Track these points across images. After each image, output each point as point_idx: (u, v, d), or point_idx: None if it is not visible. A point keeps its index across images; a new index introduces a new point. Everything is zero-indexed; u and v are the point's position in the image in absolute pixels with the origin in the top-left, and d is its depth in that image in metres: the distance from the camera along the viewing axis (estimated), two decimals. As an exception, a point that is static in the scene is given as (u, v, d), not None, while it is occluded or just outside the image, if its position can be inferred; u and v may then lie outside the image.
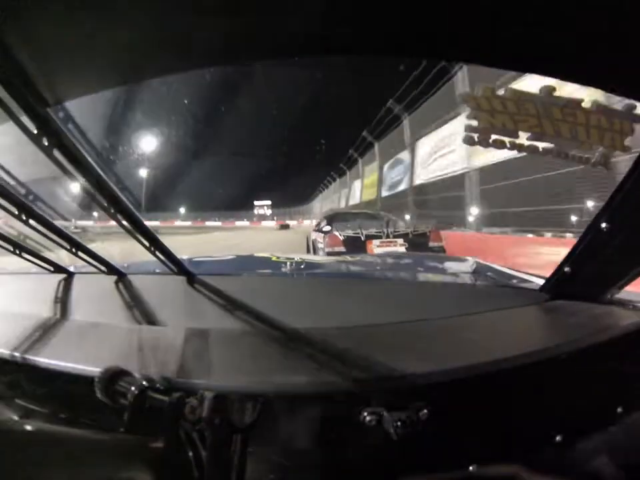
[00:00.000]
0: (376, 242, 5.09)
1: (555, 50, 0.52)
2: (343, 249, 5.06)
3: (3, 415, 0.37)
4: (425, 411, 0.52)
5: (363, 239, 5.11)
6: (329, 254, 5.02)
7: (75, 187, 0.77)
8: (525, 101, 0.59)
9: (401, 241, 5.12)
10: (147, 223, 0.91)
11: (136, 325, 0.81)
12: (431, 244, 5.15)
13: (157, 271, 1.16)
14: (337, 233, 5.28)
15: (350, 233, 5.21)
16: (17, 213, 0.86)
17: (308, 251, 7.14)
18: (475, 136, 0.64)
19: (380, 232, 5.17)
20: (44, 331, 0.74)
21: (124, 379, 0.44)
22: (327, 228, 5.89)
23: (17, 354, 0.65)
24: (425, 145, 12.35)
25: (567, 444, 0.60)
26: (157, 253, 1.00)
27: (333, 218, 6.61)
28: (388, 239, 5.12)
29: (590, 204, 5.85)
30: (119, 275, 1.16)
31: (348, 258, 1.82)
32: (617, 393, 0.67)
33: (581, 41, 0.50)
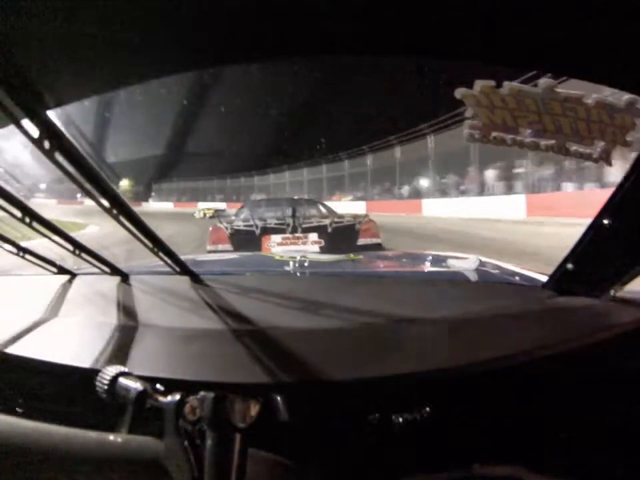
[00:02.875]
0: (276, 238, 3.68)
1: (555, 46, 0.52)
2: (229, 246, 3.66)
3: (3, 415, 0.38)
4: (426, 410, 0.52)
5: (257, 233, 3.68)
6: (209, 252, 3.68)
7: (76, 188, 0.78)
8: (524, 96, 0.59)
9: (314, 236, 3.72)
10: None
11: (138, 325, 0.82)
12: (361, 241, 3.73)
13: (160, 271, 1.16)
14: (221, 226, 3.79)
15: (241, 225, 3.81)
16: (19, 215, 0.87)
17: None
18: (476, 133, 0.63)
19: (283, 224, 3.73)
20: (46, 332, 0.75)
21: (124, 378, 0.44)
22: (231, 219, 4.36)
23: (19, 354, 0.65)
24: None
25: (567, 443, 0.60)
26: (160, 254, 1.00)
27: (244, 206, 5.26)
28: (294, 234, 3.71)
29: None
30: (122, 276, 1.16)
31: (351, 256, 1.82)
32: (620, 391, 0.66)
33: (582, 36, 0.50)
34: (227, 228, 3.74)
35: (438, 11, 0.49)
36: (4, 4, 0.48)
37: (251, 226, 3.70)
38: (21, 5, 0.49)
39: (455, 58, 0.60)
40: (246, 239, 3.65)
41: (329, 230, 3.72)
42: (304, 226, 3.73)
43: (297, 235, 3.69)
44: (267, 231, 3.70)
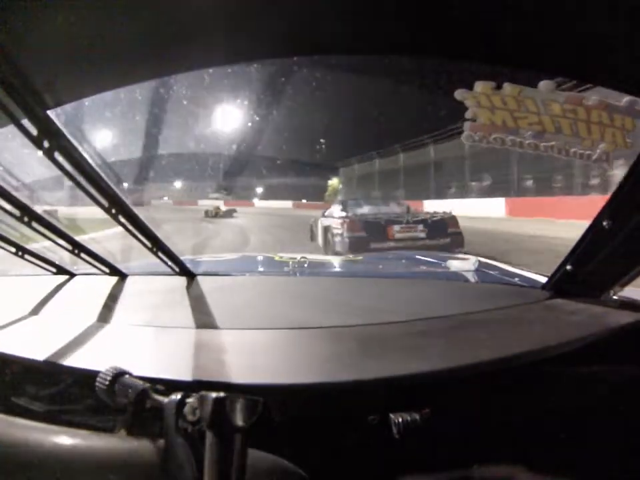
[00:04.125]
0: (396, 227, 4.99)
1: (555, 46, 0.52)
2: (363, 234, 4.95)
3: (3, 415, 0.38)
4: (427, 410, 0.52)
5: (383, 224, 5.02)
6: (349, 239, 4.92)
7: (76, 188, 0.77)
8: (525, 97, 0.59)
9: (420, 226, 5.04)
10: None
11: (138, 326, 0.81)
12: (450, 230, 5.08)
13: (159, 271, 1.16)
14: (356, 219, 5.19)
15: (370, 218, 5.17)
16: (19, 215, 0.87)
17: (313, 239, 6.93)
18: (476, 134, 0.63)
19: (400, 217, 5.13)
20: (45, 332, 0.75)
21: (124, 379, 0.44)
22: (343, 214, 5.73)
23: (19, 355, 0.65)
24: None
25: (567, 443, 0.60)
26: (159, 254, 1.00)
27: (347, 204, 6.45)
28: (408, 225, 5.03)
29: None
30: (121, 276, 1.16)
31: (351, 257, 1.82)
32: (619, 391, 0.66)
33: (582, 37, 0.50)
34: (360, 220, 5.14)
35: (439, 11, 0.49)
36: (4, 4, 0.48)
37: (378, 219, 5.12)
38: (21, 5, 0.49)
39: (455, 58, 0.60)
40: (375, 229, 4.98)
41: (429, 222, 5.09)
42: (413, 219, 5.13)
43: (410, 225, 5.04)
44: (390, 222, 5.04)
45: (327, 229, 6.01)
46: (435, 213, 5.40)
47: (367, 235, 4.94)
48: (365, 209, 5.82)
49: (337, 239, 5.24)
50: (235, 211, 16.43)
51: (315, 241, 6.75)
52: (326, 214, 6.61)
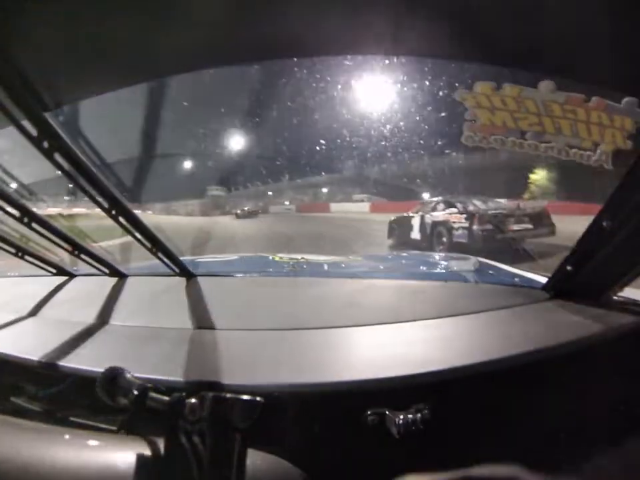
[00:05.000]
0: (511, 219, 5.33)
1: (555, 47, 0.52)
2: (490, 227, 5.27)
3: (3, 415, 0.38)
4: (426, 410, 0.51)
5: (501, 217, 5.36)
6: (482, 232, 5.25)
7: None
8: (525, 98, 0.59)
9: (527, 218, 5.35)
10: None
11: (137, 326, 0.81)
12: (545, 220, 5.39)
13: (159, 271, 1.16)
14: (483, 212, 5.48)
15: (494, 211, 5.48)
16: (19, 216, 0.87)
17: (390, 237, 7.15)
18: (475, 134, 0.63)
19: (513, 211, 5.45)
20: (46, 332, 0.75)
21: (124, 379, 0.44)
22: (456, 210, 6.06)
23: (19, 355, 0.65)
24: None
25: (567, 444, 0.60)
26: (159, 254, 1.00)
27: (456, 201, 6.60)
28: (519, 217, 5.36)
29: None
30: (121, 276, 1.16)
31: (350, 257, 1.82)
32: (619, 392, 0.66)
33: (582, 38, 0.50)
34: (485, 214, 5.38)
35: (439, 11, 0.49)
36: (4, 5, 0.48)
37: (498, 212, 5.41)
38: (21, 6, 0.49)
39: (454, 58, 0.60)
40: (497, 221, 5.25)
41: (533, 215, 5.35)
42: (521, 213, 5.37)
43: (520, 217, 5.33)
44: (506, 215, 5.38)
45: (436, 224, 6.29)
46: (533, 205, 5.69)
47: (493, 228, 5.24)
48: (478, 205, 6.01)
49: (459, 232, 5.61)
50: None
51: (393, 238, 7.04)
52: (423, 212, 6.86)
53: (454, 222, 5.94)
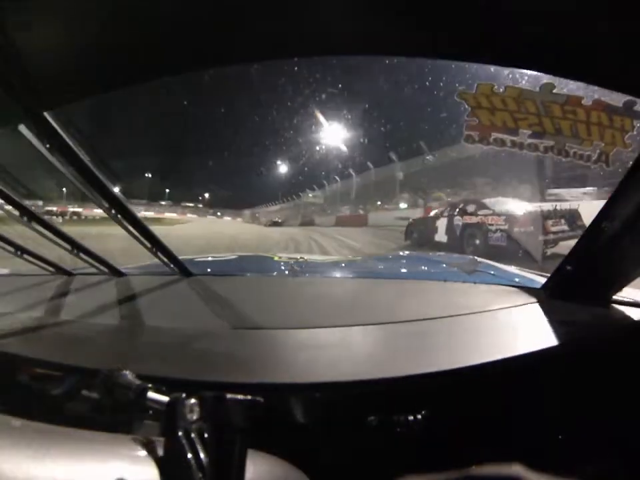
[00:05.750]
0: (550, 222, 5.21)
1: (555, 47, 0.52)
2: (532, 228, 5.23)
3: (3, 414, 0.38)
4: (426, 411, 0.52)
5: (541, 218, 5.25)
6: (524, 234, 5.17)
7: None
8: (525, 98, 0.59)
9: (563, 220, 5.30)
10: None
11: (137, 325, 0.81)
12: (579, 222, 5.27)
13: (158, 271, 1.16)
14: (521, 214, 5.47)
15: (531, 211, 5.47)
16: (18, 215, 0.87)
17: (407, 239, 7.14)
18: (475, 134, 0.64)
19: (551, 212, 5.39)
20: (45, 332, 0.75)
21: (124, 378, 0.44)
22: (489, 211, 5.95)
23: (18, 354, 0.65)
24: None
25: (567, 444, 0.60)
26: (158, 254, 1.00)
27: (484, 204, 6.51)
28: (557, 219, 5.30)
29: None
30: (120, 276, 1.16)
31: (349, 257, 1.82)
32: (618, 392, 0.66)
33: (582, 38, 0.50)
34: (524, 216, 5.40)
35: (440, 12, 0.49)
36: (4, 5, 0.48)
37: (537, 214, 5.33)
38: (21, 6, 0.49)
39: (455, 59, 0.60)
40: (537, 223, 5.15)
41: (567, 216, 5.30)
42: (557, 214, 5.35)
43: (557, 219, 5.28)
44: (545, 217, 5.23)
45: (468, 226, 6.20)
46: (567, 206, 5.62)
47: (534, 230, 5.17)
48: (513, 206, 5.97)
49: (496, 234, 5.49)
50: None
51: (412, 239, 7.00)
52: (448, 214, 6.77)
53: (490, 224, 5.78)
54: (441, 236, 6.65)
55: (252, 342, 0.69)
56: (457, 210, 6.75)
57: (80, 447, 0.36)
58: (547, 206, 5.62)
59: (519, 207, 5.84)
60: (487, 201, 6.78)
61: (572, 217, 5.34)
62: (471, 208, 6.50)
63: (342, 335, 0.71)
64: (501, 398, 0.59)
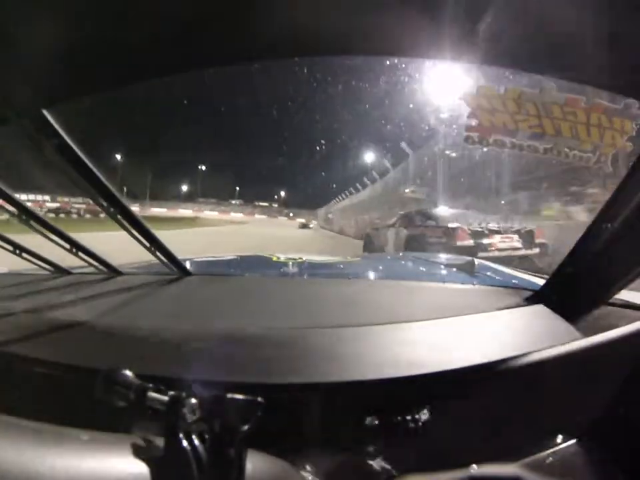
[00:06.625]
0: (497, 237, 5.20)
1: (555, 49, 0.52)
2: (472, 242, 5.13)
3: (3, 415, 0.37)
4: (425, 411, 0.52)
5: (487, 233, 5.24)
6: (459, 248, 5.06)
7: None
8: (525, 100, 0.59)
9: (516, 236, 5.25)
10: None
11: (136, 325, 0.81)
12: (537, 240, 5.28)
13: (157, 270, 1.16)
14: (465, 227, 5.36)
15: (477, 227, 5.36)
16: (16, 213, 0.86)
17: (366, 249, 7.06)
18: (476, 135, 0.64)
19: (500, 228, 5.35)
20: (43, 331, 0.74)
21: (124, 378, 0.44)
22: (433, 223, 5.98)
23: (16, 353, 0.64)
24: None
25: (566, 444, 0.60)
26: (157, 253, 1.00)
27: (431, 215, 6.55)
28: (507, 235, 5.26)
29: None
30: (119, 275, 1.16)
31: (348, 258, 1.82)
32: (618, 394, 0.66)
33: (582, 40, 0.50)
34: (467, 229, 5.25)
35: (440, 12, 0.49)
36: (5, 4, 0.47)
37: (482, 228, 5.25)
38: (20, 5, 0.49)
39: (454, 60, 0.60)
40: (482, 237, 5.13)
41: (522, 232, 5.26)
42: (510, 230, 5.32)
43: (508, 235, 5.25)
44: (493, 232, 5.21)
45: (412, 238, 6.08)
46: (523, 224, 5.60)
47: (474, 245, 5.08)
48: (454, 219, 5.96)
49: (437, 248, 5.29)
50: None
51: (369, 249, 6.89)
52: (397, 225, 6.71)
53: (430, 236, 5.74)
54: (390, 247, 6.60)
55: (252, 342, 0.69)
56: (405, 220, 6.75)
57: (80, 446, 0.36)
58: (497, 221, 5.64)
59: (462, 218, 5.82)
60: (434, 211, 6.83)
61: (528, 234, 5.31)
62: (417, 219, 6.48)
63: (341, 335, 0.71)
64: (501, 398, 0.59)
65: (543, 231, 5.45)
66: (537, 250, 5.10)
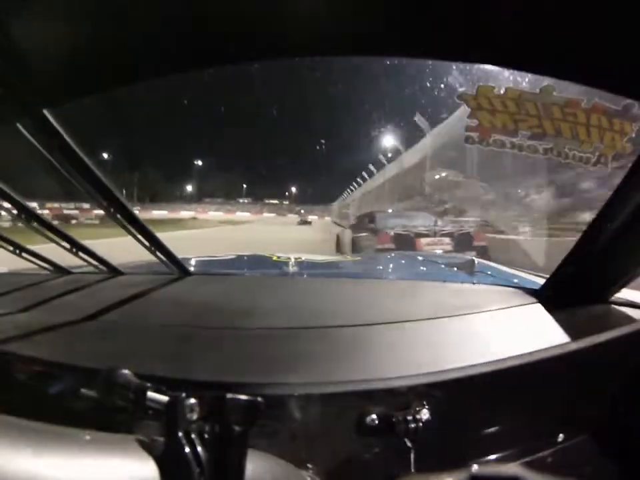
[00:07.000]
0: (425, 240, 5.31)
1: (555, 49, 0.52)
2: (392, 245, 5.23)
3: (2, 415, 0.37)
4: (425, 411, 0.52)
5: (412, 236, 5.37)
6: (378, 251, 5.18)
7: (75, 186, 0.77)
8: (525, 100, 0.59)
9: (447, 239, 5.35)
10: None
11: (136, 324, 0.81)
12: (475, 243, 5.38)
13: (157, 270, 1.16)
14: (387, 231, 5.52)
15: (400, 230, 5.50)
16: (16, 212, 0.86)
17: (338, 250, 7.19)
18: (475, 135, 0.64)
19: (429, 230, 5.49)
20: (43, 331, 0.74)
21: (123, 377, 0.44)
22: (372, 226, 6.14)
23: (15, 353, 0.65)
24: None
25: (567, 444, 0.60)
26: (157, 253, 1.00)
27: (375, 216, 6.81)
28: (437, 238, 5.37)
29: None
30: (119, 274, 1.16)
31: (348, 257, 1.82)
32: (617, 393, 0.67)
33: (581, 40, 0.50)
34: (390, 232, 5.40)
35: (439, 12, 0.49)
36: (4, 5, 0.47)
37: (407, 232, 5.41)
38: (21, 5, 0.49)
39: (455, 59, 0.60)
40: (404, 241, 5.24)
41: (456, 235, 5.36)
42: (441, 232, 5.43)
43: (438, 238, 5.34)
44: (420, 235, 5.37)
45: (355, 240, 6.36)
46: (462, 226, 5.82)
47: (396, 247, 5.16)
48: (393, 222, 6.12)
49: (366, 251, 5.53)
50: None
51: (341, 252, 6.97)
52: (353, 226, 7.05)
53: (363, 239, 5.98)
54: (346, 248, 6.80)
55: (252, 341, 0.69)
56: (357, 222, 7.10)
57: (80, 447, 0.36)
58: (431, 223, 5.78)
59: (392, 221, 6.01)
60: (376, 214, 7.04)
61: (463, 237, 5.42)
62: (365, 221, 6.74)
63: (341, 334, 0.71)
64: (501, 398, 0.59)
65: (482, 234, 5.58)
66: (473, 253, 4.92)
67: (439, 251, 5.03)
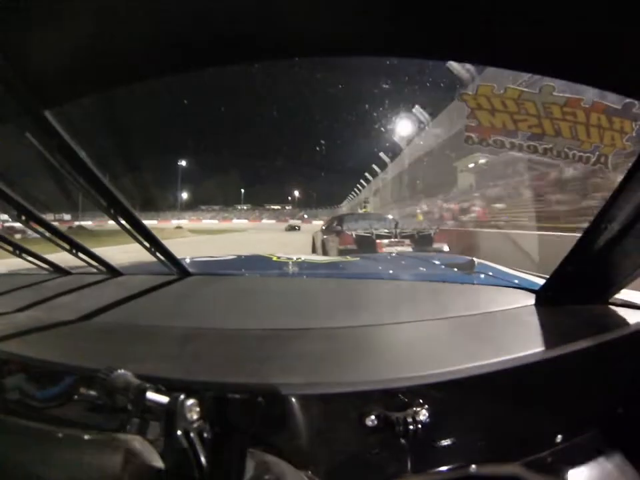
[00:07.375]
0: (385, 241, 5.60)
1: (555, 49, 0.52)
2: (354, 246, 5.57)
3: (3, 415, 0.37)
4: (425, 411, 0.52)
5: (373, 238, 5.66)
6: (341, 251, 5.50)
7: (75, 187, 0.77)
8: (525, 100, 0.59)
9: (407, 241, 5.63)
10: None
11: (136, 325, 0.81)
12: (435, 245, 5.66)
13: (157, 270, 1.16)
14: (349, 232, 5.84)
15: (361, 232, 5.80)
16: (16, 214, 0.86)
17: (314, 251, 7.57)
18: (475, 135, 0.64)
19: (390, 232, 5.75)
20: (43, 331, 0.74)
21: (123, 378, 0.44)
22: (339, 228, 6.52)
23: (15, 354, 0.64)
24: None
25: (566, 444, 0.60)
26: (157, 253, 1.00)
27: (343, 219, 7.27)
28: (397, 239, 5.66)
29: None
30: (119, 275, 1.16)
31: (348, 258, 1.82)
32: (617, 394, 0.66)
33: (581, 40, 0.50)
34: (352, 234, 5.71)
35: (439, 12, 0.49)
36: (4, 5, 0.47)
37: (369, 233, 5.69)
38: (21, 5, 0.49)
39: (455, 59, 0.60)
40: (365, 242, 5.59)
41: (416, 237, 5.68)
42: (402, 234, 5.72)
43: (398, 239, 5.65)
44: (380, 237, 5.65)
45: (324, 242, 6.74)
46: (422, 228, 6.11)
47: (358, 248, 5.53)
48: (358, 224, 6.54)
49: (332, 251, 5.90)
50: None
51: (316, 253, 7.37)
52: (324, 228, 7.50)
53: (330, 240, 6.34)
54: (318, 250, 7.18)
55: (252, 342, 0.69)
56: (327, 226, 7.54)
57: (80, 447, 0.36)
58: (387, 227, 6.11)
59: (357, 224, 6.42)
60: (345, 217, 7.60)
61: (424, 238, 5.73)
62: (334, 224, 7.16)
63: (341, 335, 0.71)
64: (501, 398, 0.59)
65: (444, 236, 5.90)
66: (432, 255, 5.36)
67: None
